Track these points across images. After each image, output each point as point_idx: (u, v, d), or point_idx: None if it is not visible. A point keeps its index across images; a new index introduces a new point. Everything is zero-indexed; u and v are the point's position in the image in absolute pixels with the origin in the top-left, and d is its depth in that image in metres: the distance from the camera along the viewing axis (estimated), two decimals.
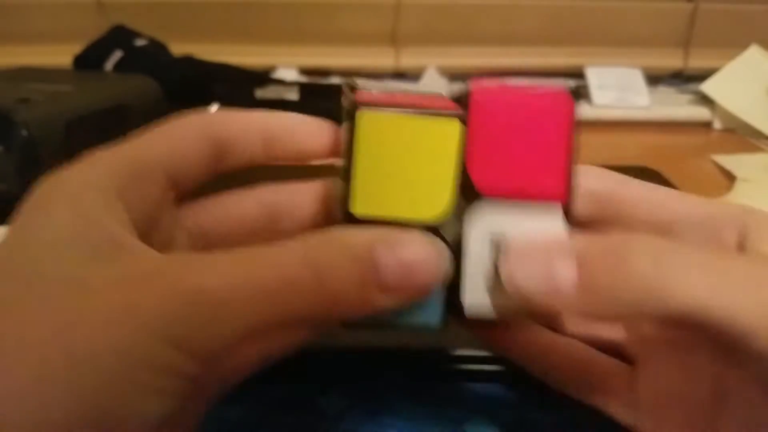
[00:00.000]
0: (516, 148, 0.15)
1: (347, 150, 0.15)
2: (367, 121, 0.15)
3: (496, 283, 0.16)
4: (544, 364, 0.19)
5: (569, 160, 0.14)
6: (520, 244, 0.15)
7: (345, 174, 0.15)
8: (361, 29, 0.69)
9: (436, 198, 0.15)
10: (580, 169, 0.16)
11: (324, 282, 0.13)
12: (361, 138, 0.15)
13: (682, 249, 0.14)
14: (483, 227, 0.16)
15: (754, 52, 0.61)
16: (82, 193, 0.14)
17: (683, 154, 0.52)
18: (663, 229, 0.17)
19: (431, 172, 0.15)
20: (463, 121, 0.15)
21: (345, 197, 0.15)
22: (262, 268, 0.13)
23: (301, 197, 0.19)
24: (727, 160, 0.49)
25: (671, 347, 0.18)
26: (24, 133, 0.36)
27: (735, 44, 0.62)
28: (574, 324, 0.20)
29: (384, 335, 0.21)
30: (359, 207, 0.15)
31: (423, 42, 0.69)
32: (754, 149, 0.53)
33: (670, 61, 0.69)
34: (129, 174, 0.15)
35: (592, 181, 0.17)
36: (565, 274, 0.14)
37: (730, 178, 0.46)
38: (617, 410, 0.18)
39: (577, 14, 0.68)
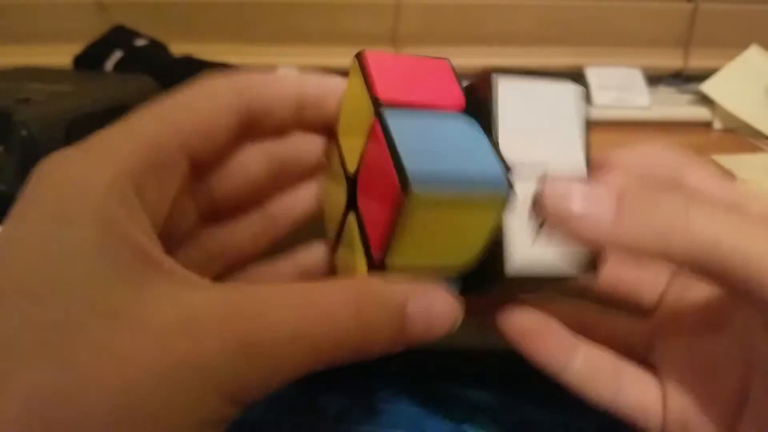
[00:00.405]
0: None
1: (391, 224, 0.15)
2: (415, 203, 0.14)
3: (538, 238, 0.16)
4: (571, 373, 0.19)
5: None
6: (568, 179, 0.16)
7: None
8: (361, 29, 0.69)
9: (468, 253, 0.16)
10: (645, 147, 0.18)
11: (367, 336, 0.14)
12: (408, 217, 0.14)
13: (712, 203, 0.15)
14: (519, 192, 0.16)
15: (754, 52, 0.61)
16: (103, 199, 0.13)
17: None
18: None
19: (468, 237, 0.16)
20: (508, 195, 0.15)
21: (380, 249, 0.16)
22: (316, 321, 0.14)
23: (306, 146, 0.19)
24: (727, 160, 0.49)
25: (693, 353, 0.18)
26: (24, 133, 0.36)
27: (735, 44, 0.62)
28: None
29: None
30: (394, 259, 0.15)
31: (423, 42, 0.69)
32: (754, 149, 0.53)
33: (670, 61, 0.69)
34: (146, 167, 0.14)
35: (655, 166, 0.18)
36: (606, 204, 0.15)
37: (730, 178, 0.45)
38: (647, 424, 0.19)
39: (577, 14, 0.68)
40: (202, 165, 0.16)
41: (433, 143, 0.15)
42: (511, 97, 0.16)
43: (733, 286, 0.14)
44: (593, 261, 0.17)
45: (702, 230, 0.14)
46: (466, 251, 0.16)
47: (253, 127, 0.17)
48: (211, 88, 0.16)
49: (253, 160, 0.18)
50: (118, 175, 0.13)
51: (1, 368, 0.11)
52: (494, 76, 0.16)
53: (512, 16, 0.68)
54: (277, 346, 0.13)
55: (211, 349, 0.12)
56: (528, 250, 0.16)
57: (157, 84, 0.48)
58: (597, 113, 0.60)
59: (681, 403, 0.18)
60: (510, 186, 0.15)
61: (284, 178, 0.19)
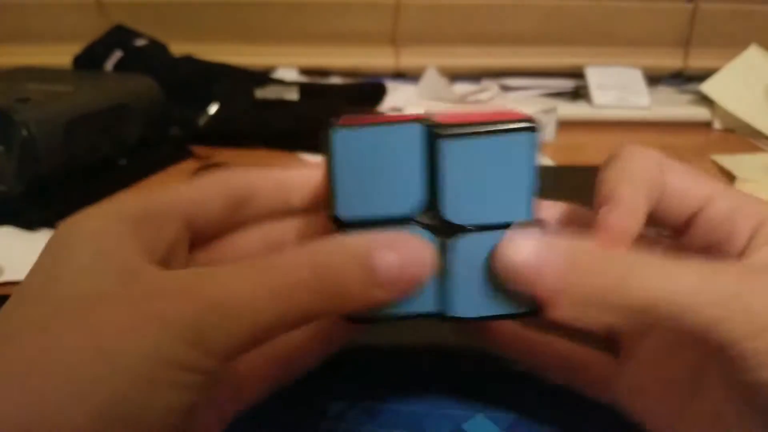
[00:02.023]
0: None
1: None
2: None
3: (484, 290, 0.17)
4: (532, 358, 0.21)
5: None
6: (521, 238, 0.16)
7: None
8: (361, 29, 0.69)
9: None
10: (635, 148, 0.19)
11: (327, 281, 0.15)
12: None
13: (646, 258, 0.16)
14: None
15: (754, 52, 0.61)
16: (100, 230, 0.16)
17: (683, 154, 0.52)
18: (686, 219, 0.19)
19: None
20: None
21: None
22: (272, 272, 0.15)
23: (304, 232, 0.20)
24: (727, 160, 0.49)
25: (657, 336, 0.19)
26: (24, 133, 0.36)
27: (735, 44, 0.62)
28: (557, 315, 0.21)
29: (384, 335, 0.21)
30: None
31: (423, 42, 0.70)
32: (754, 149, 0.53)
33: (670, 61, 0.69)
34: (144, 215, 0.17)
35: (640, 171, 0.18)
36: (554, 267, 0.16)
37: (730, 178, 0.46)
38: (599, 394, 0.20)
39: (577, 14, 0.68)
40: (200, 230, 0.19)
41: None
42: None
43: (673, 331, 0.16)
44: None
45: (637, 292, 0.15)
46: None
47: (244, 208, 0.20)
48: (204, 177, 0.19)
49: (251, 240, 0.20)
50: (115, 214, 0.17)
51: None
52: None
53: (512, 16, 0.68)
54: (237, 297, 0.14)
55: (169, 303, 0.14)
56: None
57: (157, 84, 0.48)
58: (597, 113, 0.60)
59: (634, 375, 0.19)
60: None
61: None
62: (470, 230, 0.17)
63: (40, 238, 0.36)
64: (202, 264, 0.19)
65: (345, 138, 0.16)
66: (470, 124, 0.16)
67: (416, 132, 0.16)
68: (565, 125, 0.57)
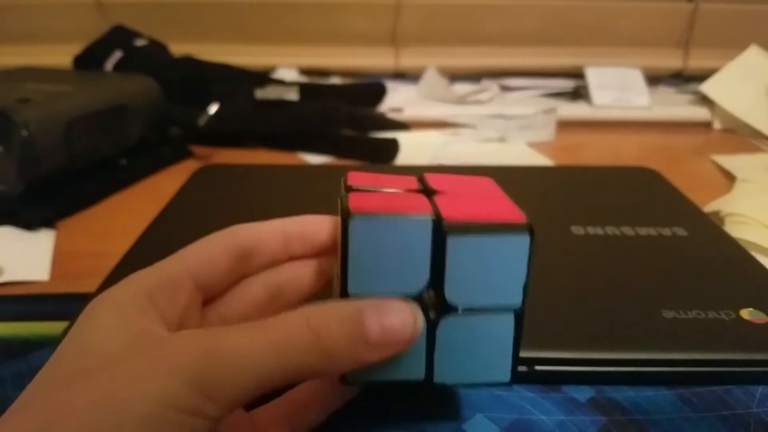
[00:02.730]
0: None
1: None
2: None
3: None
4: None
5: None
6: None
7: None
8: (361, 29, 0.69)
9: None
10: None
11: (320, 339, 0.16)
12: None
13: None
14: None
15: (754, 52, 0.61)
16: (122, 301, 0.18)
17: (683, 154, 0.52)
18: None
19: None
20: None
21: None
22: (273, 330, 0.17)
23: (301, 274, 0.22)
24: (727, 160, 0.49)
25: None
26: (24, 133, 0.36)
27: (735, 44, 0.62)
28: None
29: None
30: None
31: (423, 42, 0.70)
32: (754, 149, 0.53)
33: (670, 61, 0.69)
34: (158, 286, 0.19)
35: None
36: None
37: (730, 178, 0.46)
38: None
39: (577, 14, 0.68)
40: (210, 287, 0.21)
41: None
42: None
43: None
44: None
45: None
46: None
47: (250, 260, 0.21)
48: (213, 235, 0.21)
49: (253, 288, 0.22)
50: (134, 288, 0.18)
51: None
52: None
53: (512, 16, 0.68)
54: (239, 350, 0.16)
55: (177, 353, 0.16)
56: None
57: (157, 84, 0.48)
58: (597, 113, 0.60)
59: None
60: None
61: (286, 302, 0.22)
62: (462, 312, 0.18)
63: (40, 238, 0.36)
64: (212, 319, 0.21)
65: (361, 226, 0.18)
66: (474, 222, 0.18)
67: (427, 225, 0.18)
68: (565, 125, 0.57)
